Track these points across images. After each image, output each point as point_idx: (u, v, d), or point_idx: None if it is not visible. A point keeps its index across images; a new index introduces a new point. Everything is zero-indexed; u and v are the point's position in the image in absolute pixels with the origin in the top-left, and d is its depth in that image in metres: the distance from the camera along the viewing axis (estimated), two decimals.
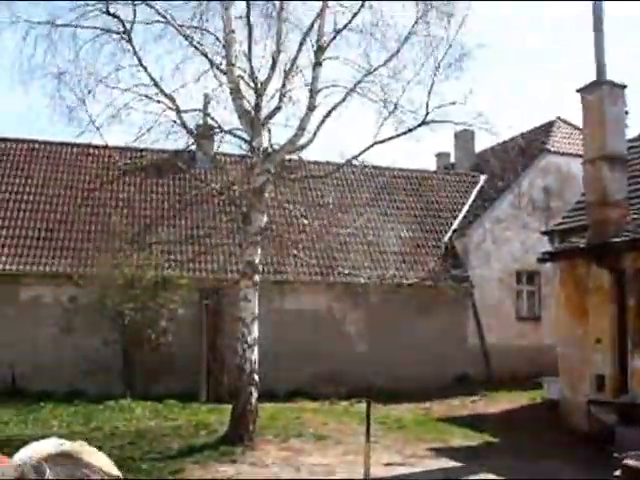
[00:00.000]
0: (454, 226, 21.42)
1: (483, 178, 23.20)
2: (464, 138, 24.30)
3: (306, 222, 13.77)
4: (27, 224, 18.48)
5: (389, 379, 15.84)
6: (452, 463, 11.03)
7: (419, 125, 13.08)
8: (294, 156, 13.73)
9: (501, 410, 15.79)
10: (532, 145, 21.38)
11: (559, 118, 23.13)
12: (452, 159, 26.71)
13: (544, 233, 16.31)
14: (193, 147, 14.61)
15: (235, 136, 12.90)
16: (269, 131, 12.75)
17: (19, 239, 18.09)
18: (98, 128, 12.25)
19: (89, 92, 12.14)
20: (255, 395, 11.88)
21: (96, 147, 20.00)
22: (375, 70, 12.96)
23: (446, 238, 21.03)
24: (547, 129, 22.75)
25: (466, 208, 22.15)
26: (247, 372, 11.83)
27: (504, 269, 20.56)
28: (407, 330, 18.56)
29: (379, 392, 15.12)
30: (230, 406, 12.40)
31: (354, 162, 14.00)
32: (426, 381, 17.67)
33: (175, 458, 10.69)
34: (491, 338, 19.86)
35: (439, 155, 27.66)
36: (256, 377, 11.94)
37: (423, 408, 16.27)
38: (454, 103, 12.87)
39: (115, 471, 1.82)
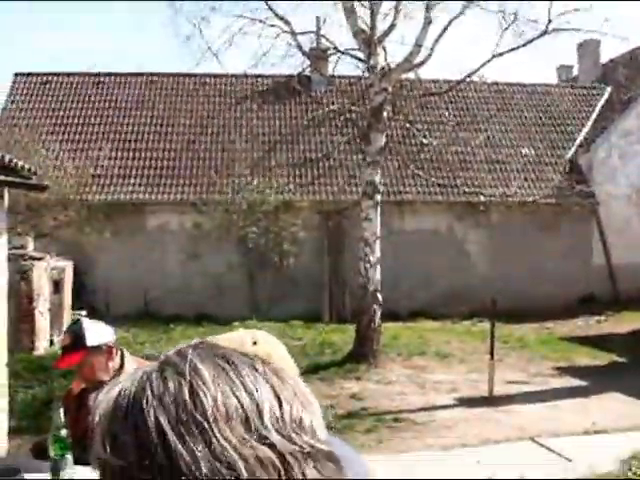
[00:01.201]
0: (578, 141, 20.51)
1: (609, 90, 21.97)
2: (588, 48, 22.97)
3: (426, 141, 13.56)
4: (151, 155, 19.18)
5: (511, 299, 15.62)
6: (577, 382, 10.88)
7: (540, 35, 12.46)
8: (411, 74, 13.46)
9: (628, 330, 15.33)
10: None
11: None
12: (575, 71, 25.41)
13: None
14: (309, 70, 14.59)
15: (351, 56, 12.76)
16: (385, 49, 12.52)
17: (144, 169, 18.83)
18: (215, 54, 12.39)
19: (203, 19, 12.26)
20: (379, 314, 12.02)
21: (213, 76, 20.42)
22: None
23: (570, 154, 20.18)
24: None
25: (591, 122, 21.10)
26: (370, 291, 11.95)
27: (632, 185, 19.60)
28: (530, 249, 18.15)
29: (501, 312, 14.98)
30: (352, 326, 12.63)
31: (473, 78, 13.59)
32: (549, 301, 17.33)
33: (302, 375, 11.01)
34: (617, 257, 19.11)
35: (561, 68, 26.37)
36: (379, 296, 12.05)
37: (546, 328, 16.04)
38: (578, 10, 12.20)
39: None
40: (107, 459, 0.84)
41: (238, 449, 0.82)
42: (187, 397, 0.85)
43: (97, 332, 3.56)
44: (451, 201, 18.52)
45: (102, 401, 0.91)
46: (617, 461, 6.72)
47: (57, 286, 14.03)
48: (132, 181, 18.46)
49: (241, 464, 0.81)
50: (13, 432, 7.76)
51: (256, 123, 19.74)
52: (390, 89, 12.20)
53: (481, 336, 13.54)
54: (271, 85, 19.39)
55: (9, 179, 6.44)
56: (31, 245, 14.89)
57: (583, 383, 10.80)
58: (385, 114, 12.19)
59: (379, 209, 12.24)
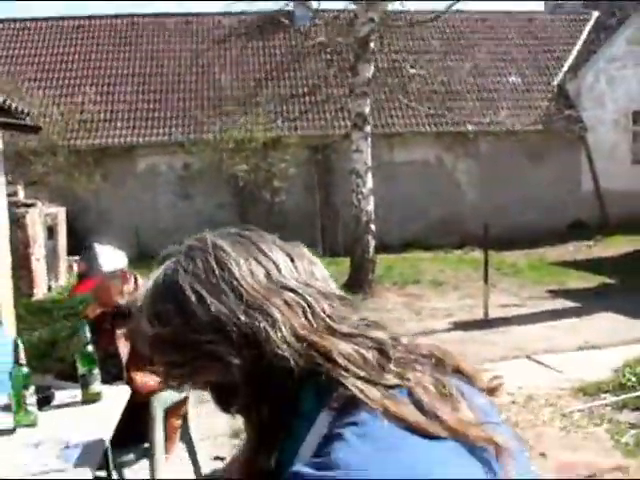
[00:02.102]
0: (566, 67, 20.42)
1: (596, 15, 21.80)
2: None
3: (414, 71, 13.48)
4: (137, 97, 19.00)
5: (502, 227, 15.77)
6: (570, 303, 11.11)
7: None
8: (397, 4, 13.33)
9: (618, 254, 15.58)
10: None
11: None
12: None
13: None
14: (293, 4, 14.41)
15: None
16: None
17: (130, 112, 18.67)
18: None
19: None
20: (372, 244, 12.15)
21: (196, 15, 20.14)
22: None
23: (557, 80, 20.12)
24: None
25: (578, 48, 20.99)
26: (364, 222, 12.05)
27: (619, 110, 19.62)
28: (519, 177, 18.27)
29: (492, 240, 15.15)
30: (346, 259, 12.78)
31: (459, 6, 13.46)
32: (539, 228, 17.54)
33: None
34: (606, 183, 19.24)
35: None
36: (372, 227, 12.17)
37: (537, 254, 16.26)
38: None
39: None
40: (157, 332, 1.02)
41: (267, 297, 1.00)
42: (214, 265, 1.04)
43: (111, 257, 3.66)
44: (440, 131, 18.44)
45: (139, 297, 1.11)
46: (609, 370, 6.98)
47: (51, 232, 14.07)
48: (119, 124, 18.31)
49: (273, 308, 0.98)
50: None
51: (242, 60, 19.51)
52: (377, 19, 12.09)
53: (473, 264, 13.75)
54: (255, 21, 19.12)
55: (3, 120, 6.43)
56: (21, 193, 14.86)
57: (575, 304, 11.02)
58: (372, 45, 12.12)
59: (369, 140, 12.26)
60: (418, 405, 0.91)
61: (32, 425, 2.71)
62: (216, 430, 5.21)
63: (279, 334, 0.96)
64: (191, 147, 17.17)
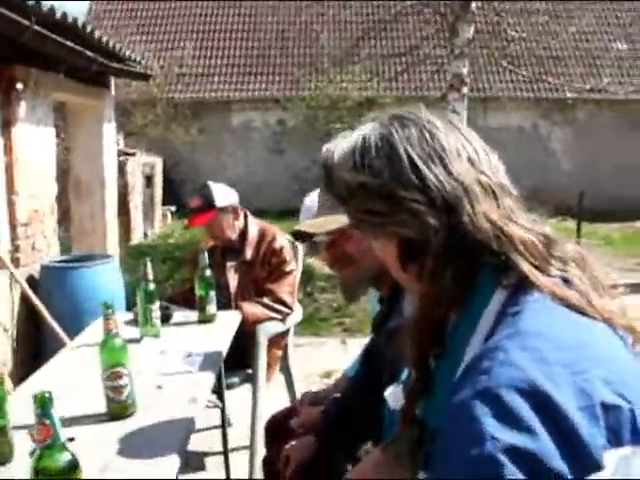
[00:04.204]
0: None
1: None
2: None
3: (514, 33, 13.22)
4: (235, 52, 19.31)
5: (597, 198, 15.42)
6: None
7: None
8: None
9: None
10: None
11: None
12: None
13: None
14: None
15: None
16: None
17: (227, 67, 19.02)
18: None
19: None
20: None
21: None
22: None
23: None
24: None
25: None
26: None
27: None
28: (618, 148, 17.72)
29: (586, 210, 14.86)
30: None
31: None
32: (637, 202, 17.04)
33: None
34: None
35: None
36: None
37: (632, 227, 15.86)
38: None
39: None
40: (365, 180, 1.15)
41: (467, 176, 1.13)
42: (428, 136, 1.15)
43: (225, 194, 3.88)
44: (537, 97, 18.08)
45: (333, 150, 1.22)
46: None
47: (149, 181, 14.51)
48: (216, 79, 18.70)
49: (474, 186, 1.12)
50: (128, 309, 8.33)
51: (341, 18, 19.49)
52: None
53: (565, 233, 13.40)
54: None
55: (117, 66, 6.73)
56: (122, 143, 15.39)
57: None
58: (473, 5, 11.94)
59: (465, 102, 12.15)
60: (577, 292, 1.08)
61: (157, 336, 2.97)
62: (309, 371, 5.45)
63: (477, 209, 1.10)
64: (286, 103, 17.39)
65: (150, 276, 2.96)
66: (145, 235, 13.52)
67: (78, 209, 7.86)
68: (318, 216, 2.22)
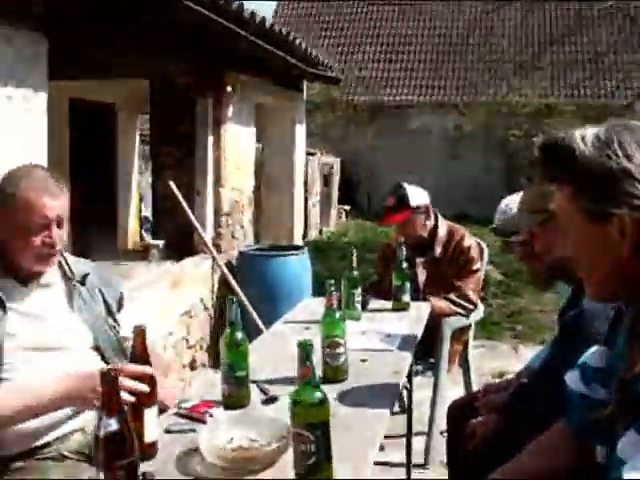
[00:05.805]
0: None
1: None
2: None
3: None
4: (414, 57, 19.58)
5: None
6: None
7: None
8: None
9: None
10: None
11: None
12: None
13: None
14: None
15: None
16: None
17: (406, 72, 19.31)
18: None
19: None
20: None
21: None
22: None
23: None
24: None
25: None
26: None
27: None
28: None
29: None
30: None
31: None
32: None
33: None
34: None
35: None
36: None
37: None
38: None
39: None
40: (626, 167, 1.23)
41: None
42: None
43: (418, 194, 4.17)
44: None
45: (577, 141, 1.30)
46: None
47: (326, 181, 14.97)
48: (395, 83, 19.04)
49: None
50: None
51: (524, 23, 19.24)
52: None
53: None
54: None
55: (314, 71, 7.20)
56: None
57: None
58: None
59: None
60: None
61: (357, 319, 3.31)
62: (482, 371, 5.62)
63: None
64: (464, 108, 17.42)
65: (354, 264, 3.30)
66: (320, 232, 13.95)
67: (268, 203, 8.47)
68: (516, 217, 2.51)
